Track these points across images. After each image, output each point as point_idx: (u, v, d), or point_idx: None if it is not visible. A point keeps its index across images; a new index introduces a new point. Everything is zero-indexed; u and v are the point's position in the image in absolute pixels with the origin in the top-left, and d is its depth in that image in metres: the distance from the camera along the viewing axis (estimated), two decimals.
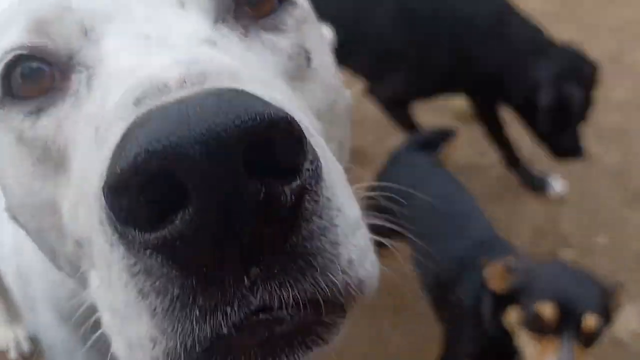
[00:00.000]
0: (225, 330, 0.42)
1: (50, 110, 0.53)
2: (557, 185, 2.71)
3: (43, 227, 0.57)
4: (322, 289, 0.43)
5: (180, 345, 0.42)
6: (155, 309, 0.41)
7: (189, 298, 0.41)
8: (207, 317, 0.41)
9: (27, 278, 0.94)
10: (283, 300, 0.42)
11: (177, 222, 0.38)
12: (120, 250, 0.41)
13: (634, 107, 2.99)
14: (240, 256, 0.40)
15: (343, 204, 0.44)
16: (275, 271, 0.41)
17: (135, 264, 0.41)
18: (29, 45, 0.53)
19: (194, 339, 0.42)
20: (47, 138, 0.53)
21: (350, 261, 0.44)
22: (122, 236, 0.40)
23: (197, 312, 0.41)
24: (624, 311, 2.16)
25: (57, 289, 0.83)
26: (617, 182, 2.72)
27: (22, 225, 0.61)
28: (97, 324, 0.82)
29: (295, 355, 0.45)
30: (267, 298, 0.42)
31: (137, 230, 0.39)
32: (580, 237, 2.48)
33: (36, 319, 0.94)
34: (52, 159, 0.53)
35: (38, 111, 0.53)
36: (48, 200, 0.54)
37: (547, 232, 2.52)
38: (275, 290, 0.42)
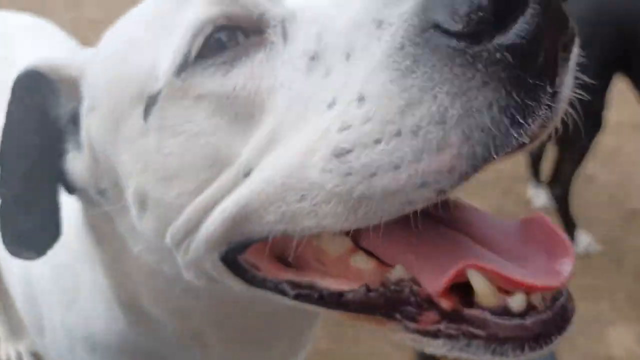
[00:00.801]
0: (525, 139, 0.47)
1: (243, 62, 0.55)
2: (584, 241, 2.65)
3: (190, 186, 0.57)
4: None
5: (479, 147, 0.46)
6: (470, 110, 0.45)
7: (506, 101, 0.45)
8: (511, 123, 0.46)
9: (35, 304, 0.97)
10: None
11: (520, 24, 0.45)
12: (454, 62, 0.45)
13: (629, 128, 3.03)
14: (551, 63, 0.47)
15: None
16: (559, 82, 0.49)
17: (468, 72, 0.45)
18: (225, 14, 0.56)
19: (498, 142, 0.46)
20: (237, 87, 0.55)
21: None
22: (472, 42, 0.45)
23: (509, 114, 0.46)
24: (619, 329, 2.18)
25: (92, 323, 0.85)
26: (613, 201, 2.75)
27: (154, 199, 0.61)
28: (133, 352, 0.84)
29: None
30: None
31: (488, 35, 0.45)
32: (578, 255, 2.51)
33: (44, 340, 0.97)
34: (236, 109, 0.55)
35: (231, 62, 0.55)
36: (219, 148, 0.55)
37: None
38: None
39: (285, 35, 0.55)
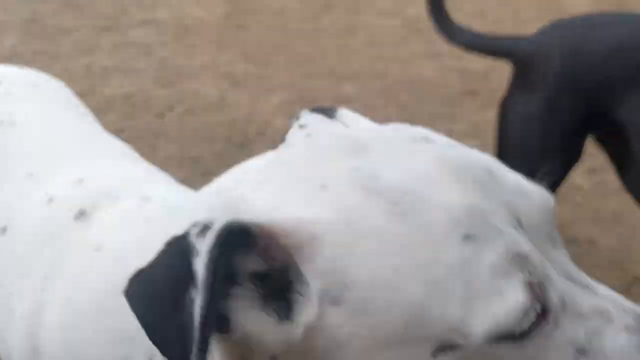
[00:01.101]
0: None
1: (532, 336, 0.65)
2: None
3: None
4: None
5: None
6: None
7: None
8: None
9: None
10: None
11: None
12: None
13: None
14: None
15: None
16: None
17: None
18: (539, 299, 0.64)
19: None
20: (524, 358, 0.65)
21: None
22: None
23: None
24: None
25: None
26: (615, 266, 2.74)
27: None
28: None
29: None
30: None
31: None
32: None
33: None
34: None
35: (528, 337, 0.65)
36: None
37: None
38: None
39: (556, 322, 0.66)
